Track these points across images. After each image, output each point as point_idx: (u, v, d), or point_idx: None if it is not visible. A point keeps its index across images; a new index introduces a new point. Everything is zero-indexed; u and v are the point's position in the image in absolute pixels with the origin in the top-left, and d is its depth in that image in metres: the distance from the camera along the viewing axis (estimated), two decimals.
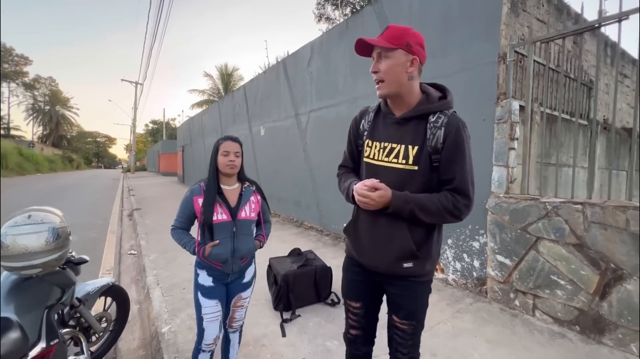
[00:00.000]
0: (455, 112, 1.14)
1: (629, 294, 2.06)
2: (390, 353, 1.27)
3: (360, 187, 1.11)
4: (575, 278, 2.29)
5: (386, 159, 1.15)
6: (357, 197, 1.13)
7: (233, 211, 1.54)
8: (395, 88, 1.11)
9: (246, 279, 1.66)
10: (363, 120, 1.27)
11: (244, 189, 1.63)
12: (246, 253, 1.59)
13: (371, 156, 1.20)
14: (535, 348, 2.13)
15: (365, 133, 1.24)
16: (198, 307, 1.54)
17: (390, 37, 1.07)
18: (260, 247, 1.69)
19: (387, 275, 1.19)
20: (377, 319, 1.35)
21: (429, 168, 1.10)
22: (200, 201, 1.51)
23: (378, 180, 1.10)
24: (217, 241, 1.49)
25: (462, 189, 1.08)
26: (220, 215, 1.50)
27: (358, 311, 1.31)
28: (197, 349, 1.57)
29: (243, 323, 1.75)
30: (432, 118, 1.10)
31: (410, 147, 1.11)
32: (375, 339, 1.40)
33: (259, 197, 1.67)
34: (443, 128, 1.08)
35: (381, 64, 1.10)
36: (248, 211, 1.59)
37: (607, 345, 2.14)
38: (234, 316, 1.69)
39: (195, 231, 1.59)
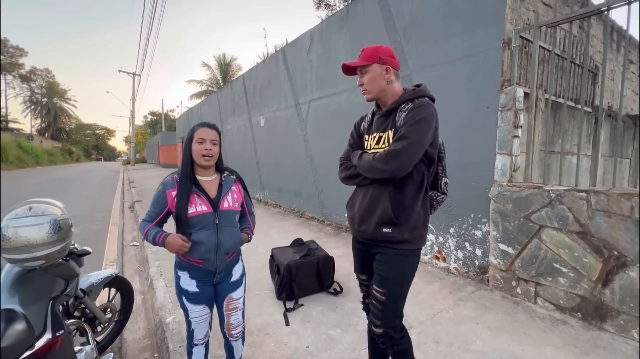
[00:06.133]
0: (429, 99, 1.33)
1: (631, 281, 2.06)
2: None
3: None
4: (577, 266, 2.30)
5: (376, 146, 1.39)
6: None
7: (214, 202, 1.41)
8: (376, 93, 1.37)
9: (234, 277, 1.53)
10: (363, 122, 1.54)
11: (223, 179, 1.49)
12: (231, 247, 1.45)
13: (367, 147, 1.45)
14: (536, 334, 2.15)
15: (364, 131, 1.51)
16: (185, 310, 1.46)
17: (365, 56, 1.35)
18: (248, 241, 1.57)
19: (371, 240, 1.38)
20: None
21: None
22: (174, 193, 1.37)
23: None
24: (189, 243, 1.34)
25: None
26: (199, 207, 1.36)
27: (366, 283, 1.51)
28: (190, 346, 1.53)
29: (244, 327, 1.62)
30: (402, 106, 1.33)
31: (389, 132, 1.34)
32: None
33: (240, 187, 1.55)
34: (406, 112, 1.28)
35: (364, 78, 1.38)
36: (231, 202, 1.46)
37: (609, 331, 2.16)
38: (230, 322, 1.54)
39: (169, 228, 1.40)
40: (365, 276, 1.50)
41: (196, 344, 1.52)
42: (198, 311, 1.45)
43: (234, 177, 1.55)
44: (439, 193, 1.45)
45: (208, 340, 1.58)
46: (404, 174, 1.26)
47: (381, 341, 1.35)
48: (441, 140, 1.42)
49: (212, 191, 1.44)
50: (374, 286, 1.36)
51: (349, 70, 1.42)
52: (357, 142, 1.53)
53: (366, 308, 1.56)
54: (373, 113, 1.49)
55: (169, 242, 1.32)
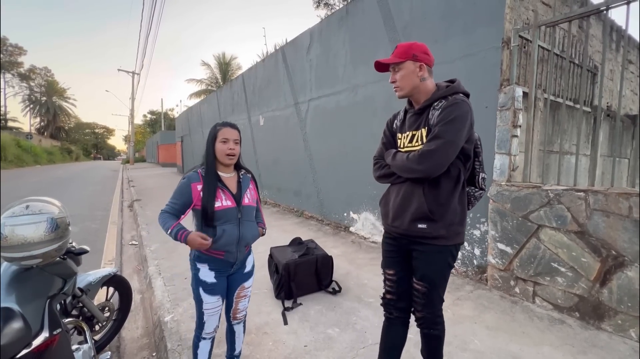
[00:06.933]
0: (462, 95, 1.31)
1: (629, 281, 2.07)
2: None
3: None
4: (576, 265, 2.30)
5: (409, 145, 1.39)
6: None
7: (236, 198, 1.51)
8: (409, 90, 1.36)
9: (247, 268, 1.64)
10: (396, 120, 1.53)
11: (241, 176, 1.60)
12: (251, 239, 1.57)
13: (400, 145, 1.45)
14: (534, 333, 2.15)
15: (397, 129, 1.50)
16: (199, 302, 1.52)
17: (399, 53, 1.34)
18: (263, 235, 1.68)
19: (407, 236, 1.39)
20: (410, 288, 1.47)
21: None
22: (199, 187, 1.45)
23: None
24: (210, 239, 1.41)
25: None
26: (224, 201, 1.46)
27: (391, 278, 1.50)
28: (198, 338, 1.57)
29: (246, 313, 1.73)
30: (435, 104, 1.31)
31: (423, 130, 1.33)
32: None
33: (254, 185, 1.66)
34: (440, 109, 1.27)
35: (397, 75, 1.37)
36: (250, 198, 1.57)
37: (606, 331, 2.16)
38: (237, 308, 1.65)
39: (186, 221, 1.49)
40: (392, 271, 1.49)
41: (204, 338, 1.57)
42: (213, 303, 1.52)
43: (250, 176, 1.66)
44: (476, 189, 1.46)
45: (215, 336, 1.62)
46: (438, 174, 1.26)
47: (420, 322, 1.43)
48: (477, 135, 1.41)
49: (233, 188, 1.54)
50: (415, 279, 1.40)
51: (382, 67, 1.41)
52: (389, 140, 1.53)
53: (386, 303, 1.53)
54: (405, 111, 1.48)
55: (190, 239, 1.38)
